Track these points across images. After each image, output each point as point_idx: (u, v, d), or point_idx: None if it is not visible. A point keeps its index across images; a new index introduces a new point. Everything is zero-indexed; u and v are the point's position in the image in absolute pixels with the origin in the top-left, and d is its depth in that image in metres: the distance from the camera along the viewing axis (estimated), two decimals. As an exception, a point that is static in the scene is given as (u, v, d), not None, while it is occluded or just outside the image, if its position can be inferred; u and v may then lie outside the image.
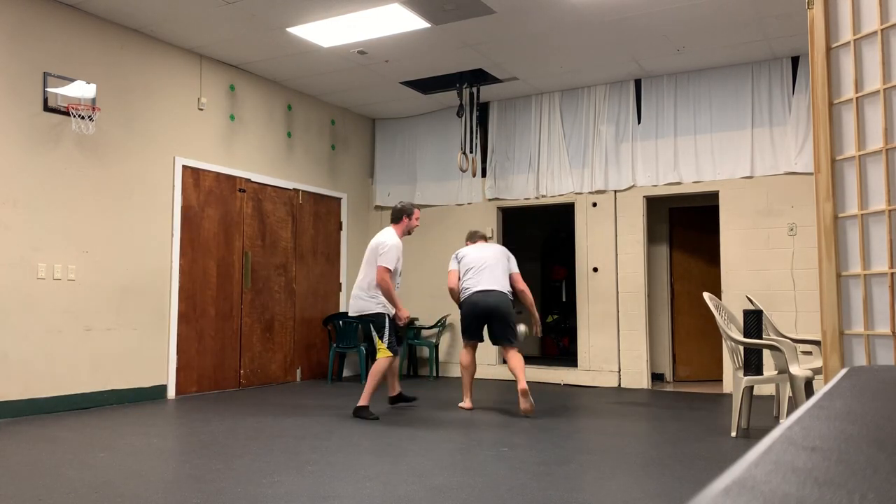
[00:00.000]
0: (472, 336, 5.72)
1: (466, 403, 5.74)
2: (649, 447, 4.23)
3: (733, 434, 4.59)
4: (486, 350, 8.22)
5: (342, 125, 8.69)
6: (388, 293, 5.25)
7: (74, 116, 5.60)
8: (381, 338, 5.29)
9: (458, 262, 5.81)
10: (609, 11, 5.85)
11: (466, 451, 4.09)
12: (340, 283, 8.55)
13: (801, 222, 6.72)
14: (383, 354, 5.28)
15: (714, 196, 7.27)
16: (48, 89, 5.53)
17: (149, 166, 6.32)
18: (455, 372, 8.42)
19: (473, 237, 6.08)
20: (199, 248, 6.77)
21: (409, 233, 5.62)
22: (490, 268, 5.70)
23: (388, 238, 5.34)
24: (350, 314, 5.48)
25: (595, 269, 7.69)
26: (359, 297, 5.38)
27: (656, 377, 7.91)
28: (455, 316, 8.45)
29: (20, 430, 4.74)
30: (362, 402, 5.28)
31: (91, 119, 5.66)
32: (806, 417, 0.74)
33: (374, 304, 5.33)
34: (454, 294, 5.81)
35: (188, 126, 6.72)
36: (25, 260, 5.38)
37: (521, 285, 5.91)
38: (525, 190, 8.10)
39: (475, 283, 5.63)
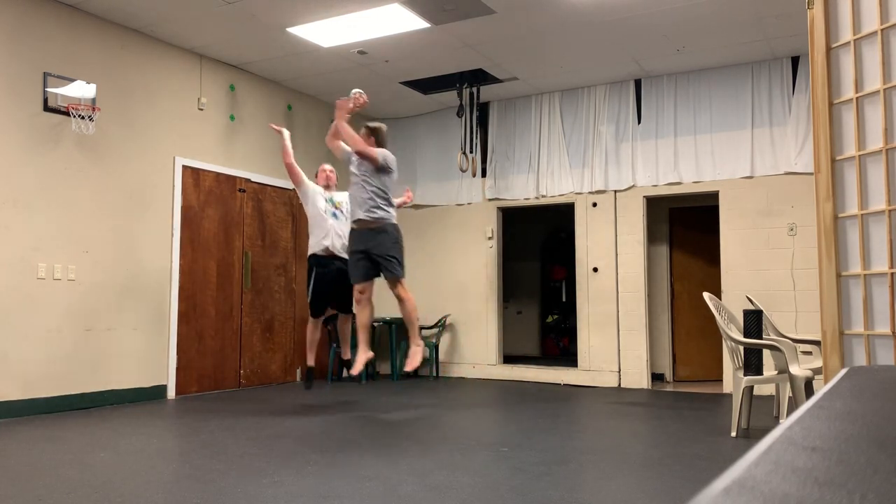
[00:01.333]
0: None
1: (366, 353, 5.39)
2: (649, 447, 4.23)
3: (733, 434, 4.59)
4: (485, 349, 8.22)
5: (342, 125, 8.67)
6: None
7: (74, 116, 5.60)
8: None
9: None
10: (609, 11, 5.85)
11: (466, 451, 4.09)
12: (340, 283, 8.54)
13: (801, 222, 6.72)
14: None
15: (714, 196, 7.27)
16: (48, 89, 5.53)
17: (149, 166, 6.32)
18: (455, 371, 8.41)
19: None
20: (199, 248, 6.77)
21: (326, 187, 5.89)
22: None
23: None
24: None
25: (595, 269, 7.68)
26: None
27: (656, 377, 7.91)
28: (455, 315, 8.45)
29: (20, 430, 4.74)
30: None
31: (91, 119, 5.66)
32: (806, 417, 0.74)
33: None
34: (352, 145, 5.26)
35: (188, 126, 6.72)
36: (25, 260, 5.37)
37: None
38: (525, 190, 8.10)
39: None
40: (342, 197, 5.83)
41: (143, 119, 6.31)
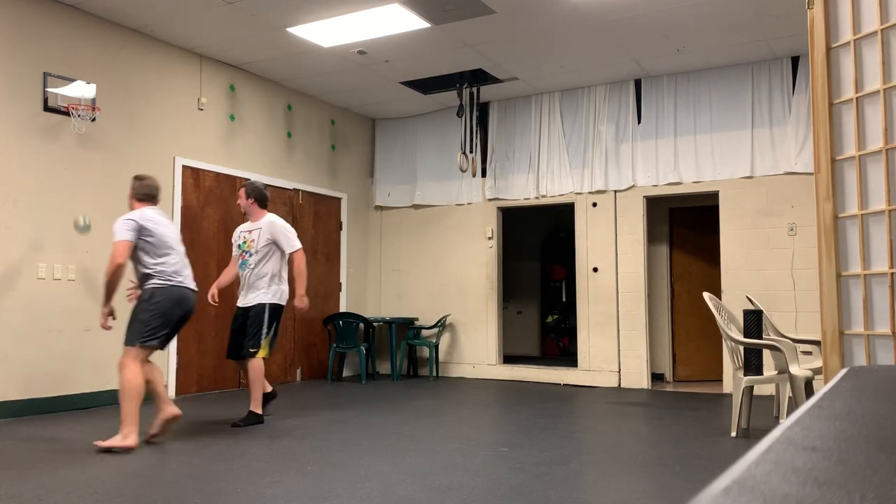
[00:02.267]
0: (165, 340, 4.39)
1: (132, 438, 4.10)
2: (649, 447, 4.23)
3: (733, 434, 4.59)
4: (485, 349, 8.22)
5: (342, 125, 8.69)
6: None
7: (74, 116, 5.60)
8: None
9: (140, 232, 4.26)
10: (609, 11, 5.85)
11: (466, 451, 4.09)
12: (340, 283, 8.55)
13: (801, 222, 6.72)
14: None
15: (714, 196, 7.27)
16: (48, 89, 5.53)
17: (149, 166, 6.32)
18: (455, 371, 8.41)
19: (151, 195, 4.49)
20: (199, 248, 6.77)
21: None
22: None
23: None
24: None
25: (595, 269, 7.68)
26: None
27: (656, 377, 7.91)
28: (455, 315, 8.45)
29: (20, 430, 4.74)
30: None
31: (91, 119, 5.66)
32: (806, 417, 0.74)
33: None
34: (117, 275, 4.16)
35: (188, 126, 6.72)
36: (25, 260, 5.37)
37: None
38: (525, 190, 8.10)
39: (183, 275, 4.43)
40: (254, 234, 5.13)
41: (143, 119, 6.31)
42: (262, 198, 5.21)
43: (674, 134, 7.35)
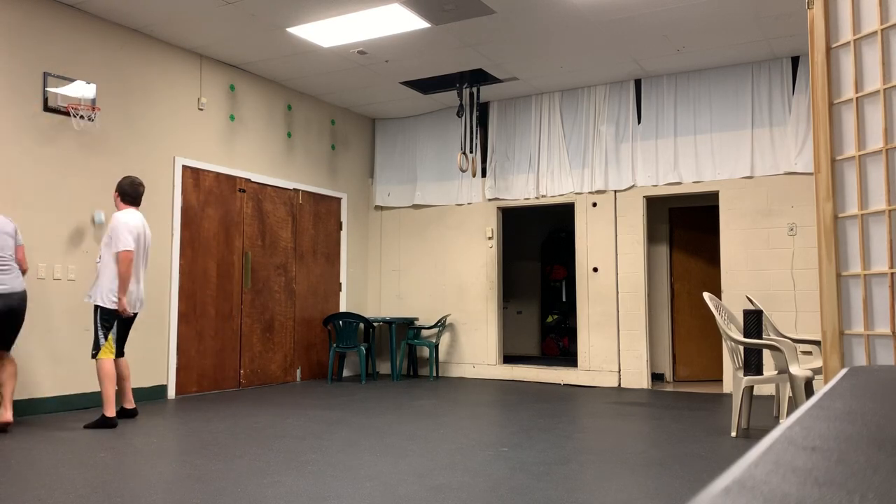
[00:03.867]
0: None
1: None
2: (649, 447, 4.23)
3: (733, 434, 4.59)
4: (485, 349, 8.22)
5: (342, 125, 8.69)
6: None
7: (74, 116, 5.60)
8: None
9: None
10: (609, 11, 5.85)
11: (466, 451, 4.09)
12: (340, 283, 8.55)
13: (801, 222, 6.72)
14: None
15: (714, 196, 7.27)
16: (48, 89, 5.53)
17: (149, 166, 6.32)
18: (455, 371, 8.41)
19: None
20: (199, 248, 6.77)
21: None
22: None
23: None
24: (135, 311, 5.19)
25: (595, 269, 7.69)
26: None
27: (656, 377, 7.91)
28: (455, 315, 8.46)
29: (20, 430, 4.74)
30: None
31: (91, 119, 5.66)
32: (806, 417, 0.74)
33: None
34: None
35: (188, 126, 6.72)
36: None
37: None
38: (525, 190, 8.10)
39: None
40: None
41: (143, 119, 6.31)
42: (124, 193, 5.18)
43: (674, 134, 7.35)
